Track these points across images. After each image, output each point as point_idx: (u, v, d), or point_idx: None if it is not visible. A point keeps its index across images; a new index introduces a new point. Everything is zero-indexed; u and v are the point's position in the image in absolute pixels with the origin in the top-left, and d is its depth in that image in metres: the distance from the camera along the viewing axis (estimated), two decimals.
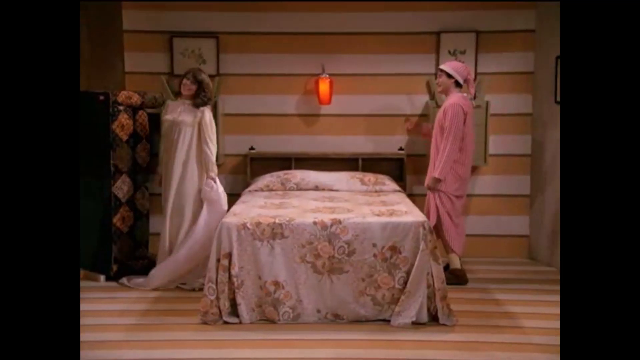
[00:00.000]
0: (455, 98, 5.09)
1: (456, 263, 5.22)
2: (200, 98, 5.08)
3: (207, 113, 5.10)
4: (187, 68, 5.37)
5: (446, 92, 5.22)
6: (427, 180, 5.25)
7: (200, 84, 5.08)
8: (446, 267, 5.03)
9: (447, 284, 4.37)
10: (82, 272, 5.40)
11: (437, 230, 5.10)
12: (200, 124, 5.05)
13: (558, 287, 4.57)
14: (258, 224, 4.32)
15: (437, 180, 5.10)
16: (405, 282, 4.27)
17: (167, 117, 5.14)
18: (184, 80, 5.10)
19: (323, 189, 5.61)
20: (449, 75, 5.12)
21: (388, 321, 4.28)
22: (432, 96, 5.98)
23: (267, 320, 4.32)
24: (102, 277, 5.28)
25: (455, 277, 5.14)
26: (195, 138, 5.07)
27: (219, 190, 5.09)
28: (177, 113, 5.09)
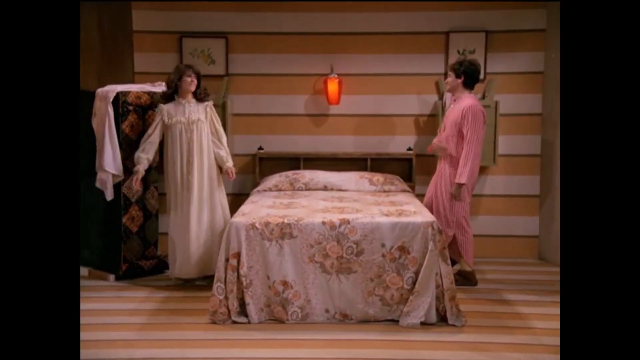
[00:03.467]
0: (471, 100, 5.01)
1: (464, 265, 5.20)
2: (201, 92, 5.11)
3: (212, 107, 5.22)
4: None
5: (453, 91, 5.18)
6: (434, 143, 5.19)
7: (198, 77, 5.10)
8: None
9: (456, 285, 4.36)
10: (92, 272, 5.43)
11: (452, 240, 5.10)
12: (212, 119, 5.14)
13: None
14: (267, 223, 4.32)
15: (461, 186, 4.93)
16: (414, 282, 4.26)
17: (176, 119, 5.00)
18: (189, 78, 5.01)
19: (332, 189, 5.62)
20: (458, 76, 5.08)
21: (397, 321, 4.28)
22: (441, 96, 5.96)
23: (276, 320, 4.32)
24: (112, 277, 5.30)
25: (465, 279, 5.12)
26: (208, 133, 5.12)
27: None
28: (186, 113, 5.02)
